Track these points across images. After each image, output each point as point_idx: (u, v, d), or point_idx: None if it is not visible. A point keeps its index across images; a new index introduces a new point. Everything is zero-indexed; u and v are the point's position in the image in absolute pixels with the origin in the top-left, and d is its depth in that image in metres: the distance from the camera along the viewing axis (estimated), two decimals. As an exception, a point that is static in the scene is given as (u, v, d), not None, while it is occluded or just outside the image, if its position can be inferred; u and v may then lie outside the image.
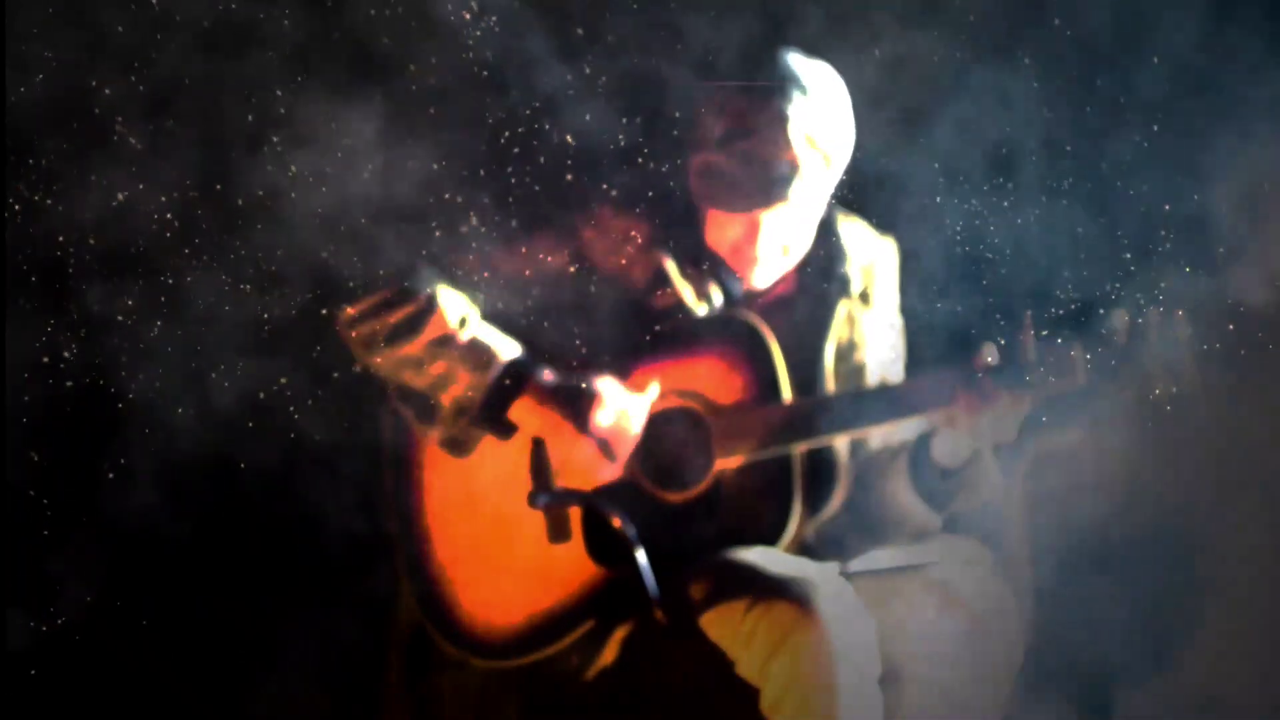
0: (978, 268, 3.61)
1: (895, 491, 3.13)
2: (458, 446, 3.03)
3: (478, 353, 3.01)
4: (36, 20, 3.31)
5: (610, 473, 3.03)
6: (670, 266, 3.09)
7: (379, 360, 3.02)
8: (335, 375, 3.26)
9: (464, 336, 3.00)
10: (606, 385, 3.02)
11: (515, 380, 3.01)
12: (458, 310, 3.02)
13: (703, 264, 3.10)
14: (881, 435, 3.16)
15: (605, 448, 3.00)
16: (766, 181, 3.00)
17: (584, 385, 3.01)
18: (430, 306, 3.00)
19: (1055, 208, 3.60)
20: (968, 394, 2.98)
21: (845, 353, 3.16)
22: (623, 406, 3.01)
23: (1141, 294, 3.24)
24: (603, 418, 3.00)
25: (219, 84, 3.38)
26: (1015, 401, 2.98)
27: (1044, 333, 3.01)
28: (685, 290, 3.09)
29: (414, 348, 2.99)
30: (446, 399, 3.00)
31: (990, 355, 3.00)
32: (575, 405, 3.00)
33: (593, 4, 3.43)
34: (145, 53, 3.33)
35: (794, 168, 3.01)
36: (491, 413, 3.01)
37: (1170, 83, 3.48)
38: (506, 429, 3.02)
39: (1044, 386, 2.99)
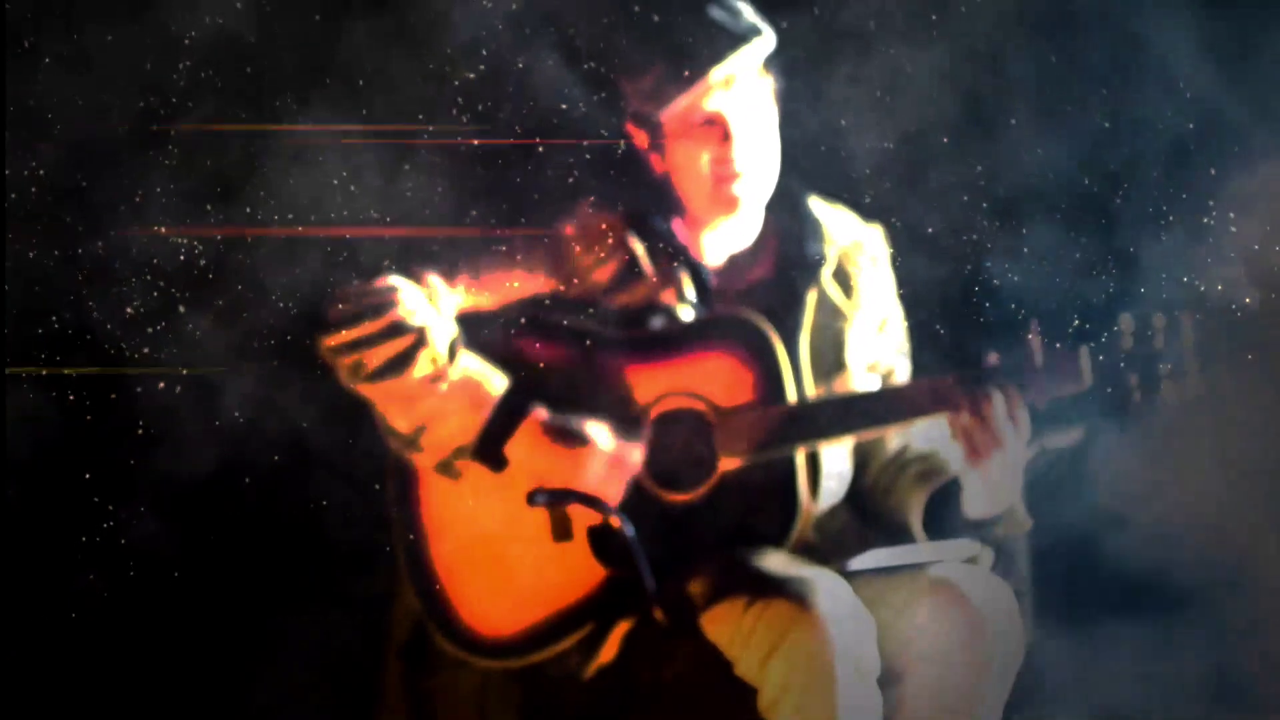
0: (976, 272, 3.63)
1: (907, 521, 3.12)
2: (448, 471, 3.02)
3: (469, 389, 2.99)
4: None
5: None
6: (640, 254, 3.09)
7: (365, 391, 3.01)
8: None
9: (454, 372, 2.99)
10: (599, 432, 3.02)
11: (509, 418, 3.00)
12: (446, 342, 3.00)
13: (674, 255, 3.09)
14: (898, 436, 3.16)
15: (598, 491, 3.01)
16: (720, 36, 3.02)
17: (576, 429, 3.01)
18: (420, 341, 2.98)
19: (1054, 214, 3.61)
20: (970, 397, 2.97)
21: (822, 337, 3.13)
22: (615, 454, 3.01)
23: (1144, 295, 3.25)
24: (594, 465, 3.00)
25: (222, 99, 3.40)
26: (1016, 403, 2.96)
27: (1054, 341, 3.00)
28: (658, 282, 3.08)
29: (402, 385, 2.98)
30: (436, 436, 2.98)
31: (994, 360, 2.99)
32: (568, 447, 3.00)
33: None
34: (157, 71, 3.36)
35: (719, 33, 3.03)
36: (487, 451, 3.00)
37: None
38: (500, 463, 3.01)
39: (1050, 390, 2.97)
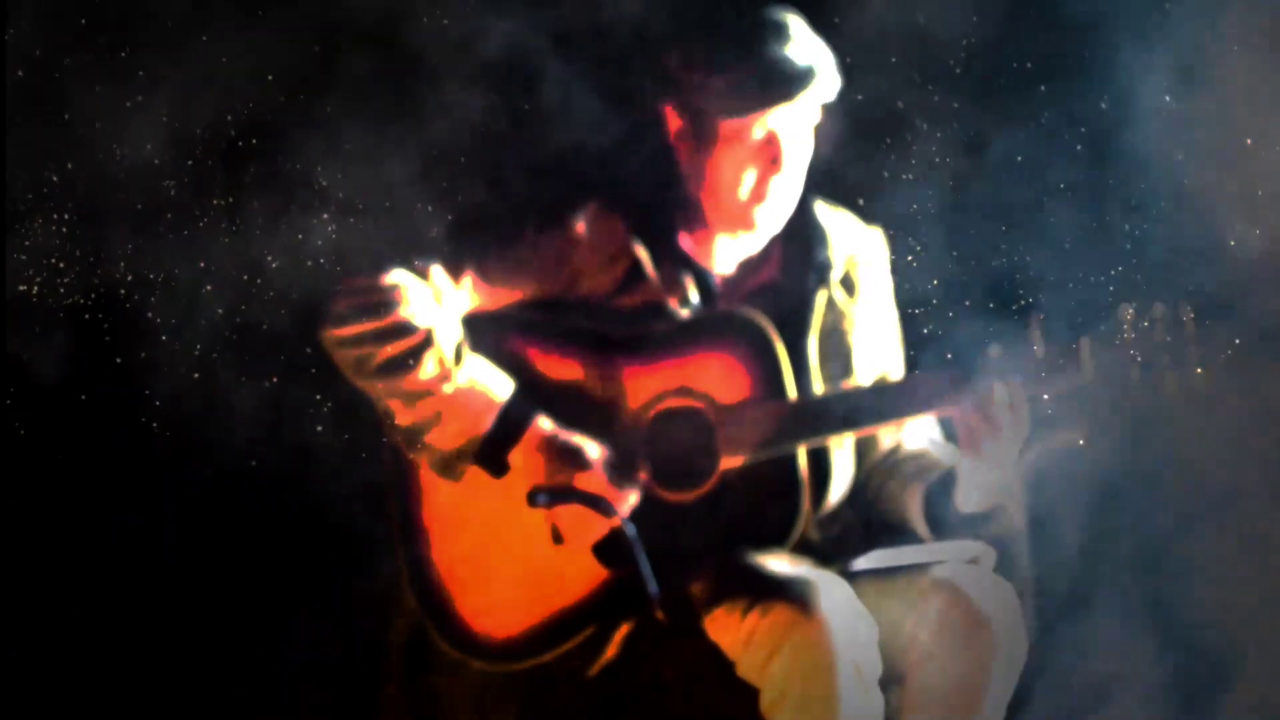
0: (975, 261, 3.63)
1: (906, 519, 3.11)
2: (448, 472, 3.01)
3: (474, 394, 2.97)
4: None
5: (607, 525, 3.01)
6: (644, 259, 3.07)
7: (367, 385, 2.99)
8: (339, 378, 3.23)
9: (459, 376, 2.97)
10: (596, 451, 3.01)
11: (513, 426, 2.98)
12: (453, 344, 2.98)
13: (677, 259, 3.08)
14: (890, 436, 3.15)
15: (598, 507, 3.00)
16: (788, 75, 2.98)
17: (578, 448, 3.00)
18: (427, 342, 2.96)
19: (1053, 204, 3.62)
20: (971, 391, 2.95)
21: (829, 340, 3.12)
22: (610, 474, 3.01)
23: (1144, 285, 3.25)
24: (593, 485, 2.99)
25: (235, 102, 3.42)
26: (1016, 396, 2.95)
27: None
28: (661, 285, 3.06)
29: (408, 384, 2.96)
30: (438, 436, 2.97)
31: (995, 353, 2.98)
32: (567, 463, 2.99)
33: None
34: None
35: (809, 66, 2.99)
36: (489, 457, 2.99)
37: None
38: (501, 469, 3.00)
39: (1052, 384, 2.96)
